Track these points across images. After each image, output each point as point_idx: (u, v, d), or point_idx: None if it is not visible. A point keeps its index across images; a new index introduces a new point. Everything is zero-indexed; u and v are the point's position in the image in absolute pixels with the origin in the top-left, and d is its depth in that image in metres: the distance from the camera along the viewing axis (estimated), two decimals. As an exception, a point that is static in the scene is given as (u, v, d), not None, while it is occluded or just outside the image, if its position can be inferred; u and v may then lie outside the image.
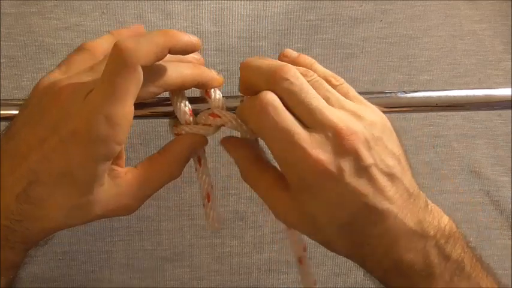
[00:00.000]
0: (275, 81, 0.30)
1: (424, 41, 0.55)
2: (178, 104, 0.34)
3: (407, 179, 0.31)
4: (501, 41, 0.55)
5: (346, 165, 0.28)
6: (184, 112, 0.34)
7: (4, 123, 0.32)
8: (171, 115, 0.35)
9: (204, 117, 0.34)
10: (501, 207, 0.49)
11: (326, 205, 0.29)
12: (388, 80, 0.51)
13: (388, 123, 0.32)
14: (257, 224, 0.47)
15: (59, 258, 0.44)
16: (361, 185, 0.29)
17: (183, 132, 0.34)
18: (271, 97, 0.30)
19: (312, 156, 0.28)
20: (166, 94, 0.34)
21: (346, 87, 0.32)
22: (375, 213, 0.29)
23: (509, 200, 0.49)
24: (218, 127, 0.35)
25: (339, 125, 0.29)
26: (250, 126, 0.32)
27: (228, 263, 0.46)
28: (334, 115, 0.29)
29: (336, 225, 0.30)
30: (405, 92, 0.36)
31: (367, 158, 0.29)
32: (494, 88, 0.32)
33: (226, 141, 0.35)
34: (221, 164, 0.39)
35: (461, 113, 0.51)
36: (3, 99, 0.31)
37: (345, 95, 0.32)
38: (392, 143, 0.31)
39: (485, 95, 0.31)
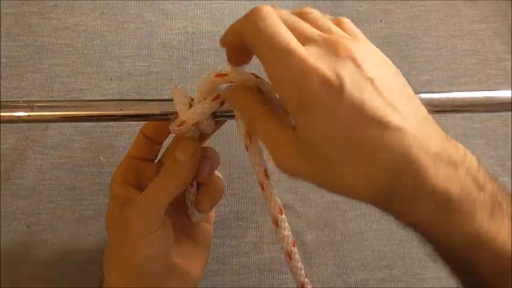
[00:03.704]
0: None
1: (424, 41, 0.55)
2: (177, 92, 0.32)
3: (417, 102, 0.26)
4: (501, 41, 0.55)
5: (346, 73, 0.25)
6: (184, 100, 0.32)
7: (4, 125, 0.32)
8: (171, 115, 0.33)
9: (207, 82, 0.31)
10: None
11: (331, 124, 0.25)
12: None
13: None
14: (257, 224, 0.47)
15: (59, 258, 0.44)
16: (366, 96, 0.24)
17: (183, 118, 0.32)
18: (266, 7, 0.28)
19: (309, 65, 0.25)
20: (166, 95, 0.34)
21: (350, 27, 0.30)
22: (387, 127, 0.24)
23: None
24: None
25: (332, 38, 0.26)
26: (247, 40, 0.29)
27: (228, 263, 0.46)
28: (326, 34, 0.27)
29: (345, 148, 0.25)
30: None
31: (369, 68, 0.25)
32: (494, 90, 0.32)
33: (230, 89, 0.31)
34: (221, 164, 0.39)
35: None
36: (3, 101, 0.31)
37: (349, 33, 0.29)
38: (392, 68, 0.28)
39: (485, 97, 0.31)
